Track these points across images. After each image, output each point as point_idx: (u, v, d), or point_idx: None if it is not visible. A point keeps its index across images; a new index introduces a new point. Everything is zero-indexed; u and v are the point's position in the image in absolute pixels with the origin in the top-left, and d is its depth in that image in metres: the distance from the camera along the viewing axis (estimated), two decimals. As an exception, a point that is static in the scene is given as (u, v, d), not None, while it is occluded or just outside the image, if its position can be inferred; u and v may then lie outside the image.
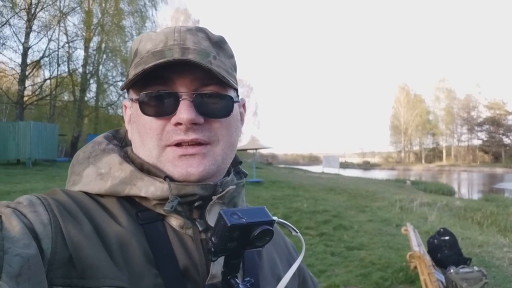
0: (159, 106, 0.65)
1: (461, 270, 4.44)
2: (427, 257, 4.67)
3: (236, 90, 0.73)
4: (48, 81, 27.58)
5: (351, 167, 74.98)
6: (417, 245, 5.00)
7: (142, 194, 0.65)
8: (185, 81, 0.65)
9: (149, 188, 0.65)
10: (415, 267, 4.92)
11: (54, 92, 27.29)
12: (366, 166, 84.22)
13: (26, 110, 25.20)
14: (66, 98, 29.84)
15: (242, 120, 0.78)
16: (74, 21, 28.15)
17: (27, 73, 24.04)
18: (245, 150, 21.58)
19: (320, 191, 14.60)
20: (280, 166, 53.19)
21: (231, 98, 0.69)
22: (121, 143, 0.78)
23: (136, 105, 0.68)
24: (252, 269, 0.70)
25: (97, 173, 0.68)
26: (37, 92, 26.66)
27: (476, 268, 4.53)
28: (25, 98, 24.46)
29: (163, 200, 0.65)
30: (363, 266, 5.74)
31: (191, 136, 0.65)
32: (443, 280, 4.40)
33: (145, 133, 0.67)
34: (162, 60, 0.62)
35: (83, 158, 0.71)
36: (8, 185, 11.31)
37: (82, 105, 27.72)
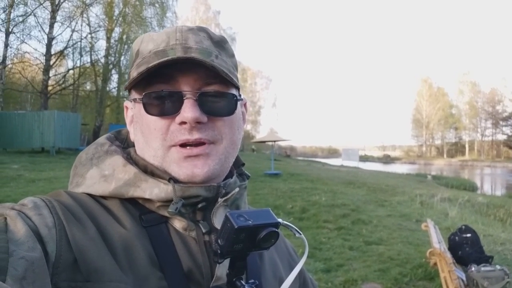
0: (163, 105, 0.65)
1: (483, 269, 4.35)
2: (448, 255, 4.60)
3: (238, 89, 0.73)
4: (71, 71, 28.17)
5: (371, 161, 74.33)
6: (437, 242, 4.92)
7: (147, 196, 0.65)
8: (189, 79, 0.65)
9: (153, 190, 0.65)
10: (435, 264, 4.86)
11: (77, 82, 27.86)
12: (386, 159, 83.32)
13: (50, 100, 25.76)
14: (88, 88, 30.47)
15: (244, 119, 0.78)
16: (96, 12, 28.55)
17: (51, 63, 24.52)
18: (264, 142, 21.59)
19: (339, 184, 14.49)
20: (299, 158, 53.05)
21: (234, 96, 0.69)
22: (123, 144, 0.78)
23: (139, 105, 0.67)
24: (254, 271, 0.70)
25: (100, 175, 0.68)
26: (60, 82, 27.20)
27: (498, 267, 4.43)
28: (49, 88, 25.02)
29: (167, 202, 0.65)
30: (382, 261, 5.68)
31: (195, 135, 0.65)
32: (464, 278, 4.32)
33: (150, 133, 0.67)
34: (166, 58, 0.62)
35: (86, 160, 0.71)
36: (33, 172, 11.63)
37: (104, 95, 28.21)
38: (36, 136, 18.92)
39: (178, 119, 0.65)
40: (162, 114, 0.65)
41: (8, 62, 23.80)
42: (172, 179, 0.65)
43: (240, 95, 0.73)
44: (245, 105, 0.80)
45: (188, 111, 0.63)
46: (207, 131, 0.66)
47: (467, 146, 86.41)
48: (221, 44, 0.71)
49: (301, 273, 0.85)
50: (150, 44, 0.68)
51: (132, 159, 0.71)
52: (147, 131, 0.67)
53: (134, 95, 0.70)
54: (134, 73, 0.66)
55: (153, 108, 0.65)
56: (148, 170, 0.68)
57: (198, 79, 0.66)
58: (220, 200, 0.68)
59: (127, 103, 0.76)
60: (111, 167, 0.68)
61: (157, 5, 29.47)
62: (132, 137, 0.74)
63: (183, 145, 0.66)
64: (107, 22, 27.51)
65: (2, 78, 23.23)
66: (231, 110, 0.69)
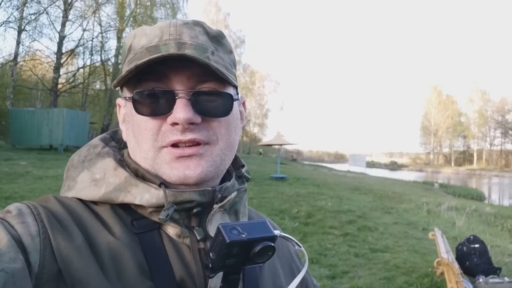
0: (154, 104, 0.61)
1: (491, 280, 4.30)
2: (456, 265, 4.54)
3: (236, 87, 0.69)
4: (81, 70, 28.37)
5: (377, 167, 74.08)
6: (445, 252, 4.86)
7: (137, 202, 0.62)
8: (182, 78, 0.62)
9: (143, 196, 0.62)
10: (442, 273, 4.80)
11: (86, 81, 28.05)
12: (393, 166, 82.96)
13: (59, 98, 25.97)
14: (98, 87, 30.63)
15: (242, 119, 0.75)
16: (108, 11, 28.79)
17: (62, 61, 24.74)
18: (270, 145, 21.55)
19: (345, 190, 14.41)
20: (305, 162, 52.98)
21: (231, 96, 0.65)
22: (120, 144, 0.75)
23: (130, 104, 0.64)
24: (252, 282, 0.66)
25: (91, 179, 0.65)
26: (70, 80, 27.41)
27: (507, 279, 4.37)
28: (59, 86, 25.21)
29: (159, 208, 0.61)
30: (387, 269, 5.64)
31: (188, 136, 0.61)
32: (471, 289, 4.27)
33: (140, 134, 0.64)
34: (156, 55, 0.58)
35: (78, 162, 0.68)
36: (41, 169, 11.69)
37: (113, 95, 28.33)
38: (44, 134, 19.03)
39: (170, 119, 0.61)
40: (153, 114, 0.62)
41: (19, 59, 24.05)
42: (163, 184, 0.62)
43: (237, 94, 0.70)
44: (243, 103, 0.77)
45: (180, 111, 0.60)
46: (202, 131, 0.63)
47: (475, 155, 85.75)
48: (218, 39, 0.67)
49: (303, 283, 0.81)
50: (143, 39, 0.64)
51: (125, 162, 0.68)
52: (137, 131, 0.64)
53: (126, 93, 0.66)
54: (124, 70, 0.63)
55: (144, 107, 0.62)
56: (139, 174, 0.65)
57: (192, 77, 0.62)
58: (215, 206, 0.64)
59: (119, 101, 0.72)
60: (102, 170, 0.65)
61: (168, 6, 29.63)
62: (124, 137, 0.71)
63: (175, 145, 0.62)
64: (118, 22, 27.71)
65: (13, 75, 23.47)
66: (227, 111, 0.65)
